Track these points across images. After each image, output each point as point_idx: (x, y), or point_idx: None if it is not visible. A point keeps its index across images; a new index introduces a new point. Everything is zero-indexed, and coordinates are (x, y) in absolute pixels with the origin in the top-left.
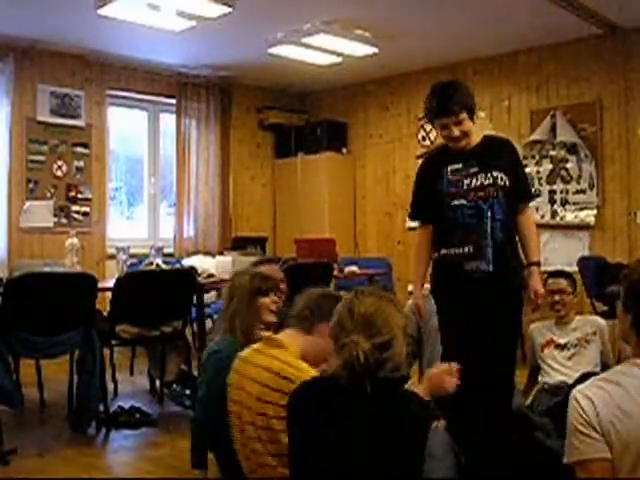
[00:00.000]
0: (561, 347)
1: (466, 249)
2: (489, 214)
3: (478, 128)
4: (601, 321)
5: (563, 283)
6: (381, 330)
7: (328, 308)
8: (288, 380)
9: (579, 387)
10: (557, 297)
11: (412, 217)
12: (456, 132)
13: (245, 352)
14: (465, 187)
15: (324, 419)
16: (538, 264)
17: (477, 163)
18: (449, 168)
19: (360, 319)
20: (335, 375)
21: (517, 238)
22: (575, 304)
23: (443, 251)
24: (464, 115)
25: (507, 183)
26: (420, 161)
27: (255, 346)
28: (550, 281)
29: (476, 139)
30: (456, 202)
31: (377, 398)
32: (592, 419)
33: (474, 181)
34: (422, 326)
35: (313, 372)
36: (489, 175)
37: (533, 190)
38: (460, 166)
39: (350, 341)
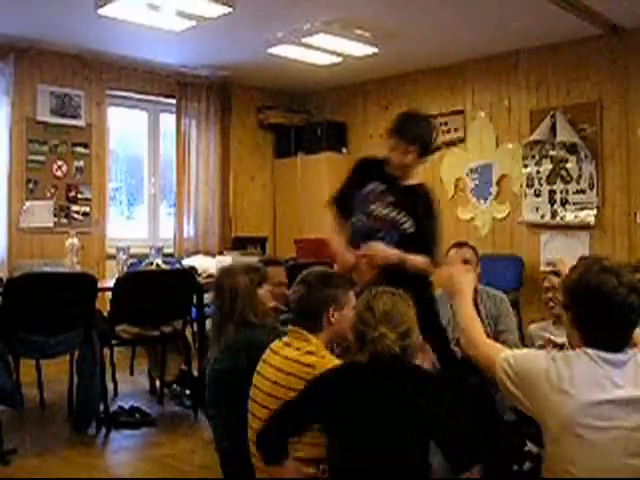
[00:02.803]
0: (559, 347)
1: None
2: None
3: (478, 128)
4: None
5: (554, 280)
6: (400, 321)
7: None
8: (310, 367)
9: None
10: (550, 294)
11: (332, 202)
12: (397, 159)
13: (275, 344)
14: (369, 209)
15: (360, 404)
16: None
17: (396, 197)
18: (375, 183)
19: (381, 314)
20: (363, 363)
21: None
22: None
23: None
24: (413, 148)
25: (412, 231)
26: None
27: (285, 339)
28: (545, 279)
29: (413, 181)
30: (359, 216)
31: (405, 382)
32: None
33: (382, 210)
34: None
35: (336, 361)
36: (398, 214)
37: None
38: (383, 188)
39: (378, 334)
